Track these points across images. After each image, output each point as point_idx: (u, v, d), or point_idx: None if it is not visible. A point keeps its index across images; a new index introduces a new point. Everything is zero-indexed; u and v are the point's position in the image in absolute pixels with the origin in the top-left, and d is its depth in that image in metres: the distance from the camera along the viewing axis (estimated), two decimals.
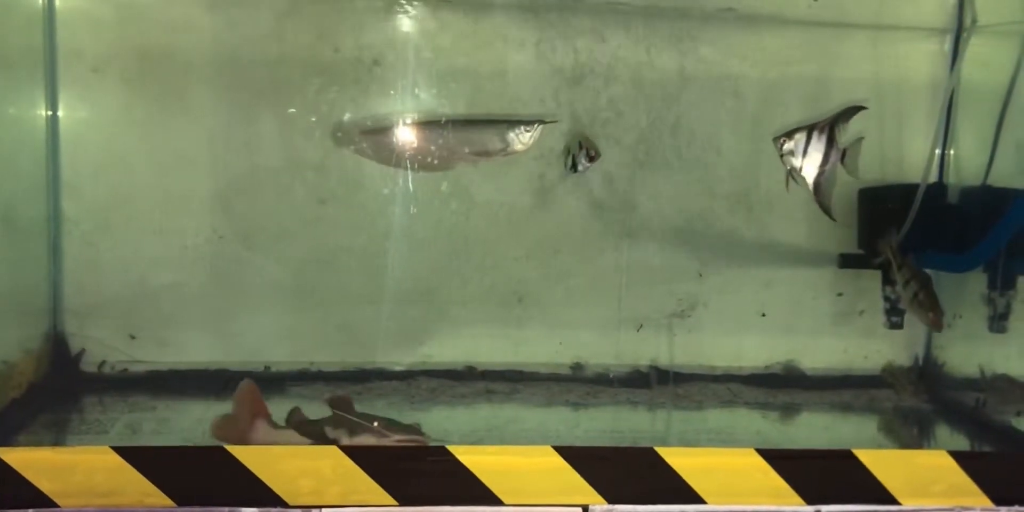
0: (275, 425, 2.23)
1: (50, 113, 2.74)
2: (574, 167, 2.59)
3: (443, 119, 2.57)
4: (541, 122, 2.50)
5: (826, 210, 2.37)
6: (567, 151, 2.66)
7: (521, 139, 2.47)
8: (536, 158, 2.88)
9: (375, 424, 2.20)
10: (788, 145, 2.33)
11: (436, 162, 2.51)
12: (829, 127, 2.32)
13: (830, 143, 2.32)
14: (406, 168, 2.56)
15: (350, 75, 2.78)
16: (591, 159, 2.57)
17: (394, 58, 2.76)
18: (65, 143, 2.76)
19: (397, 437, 2.16)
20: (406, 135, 2.54)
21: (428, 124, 2.56)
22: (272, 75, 2.78)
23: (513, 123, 2.49)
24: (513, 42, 2.84)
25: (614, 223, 2.96)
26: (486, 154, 2.49)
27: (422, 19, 2.76)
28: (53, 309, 2.80)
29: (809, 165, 2.32)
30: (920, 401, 2.96)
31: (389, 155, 2.53)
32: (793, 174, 2.34)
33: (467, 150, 2.48)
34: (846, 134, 2.33)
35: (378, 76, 2.78)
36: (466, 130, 2.52)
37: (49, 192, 2.76)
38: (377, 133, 2.60)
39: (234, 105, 2.79)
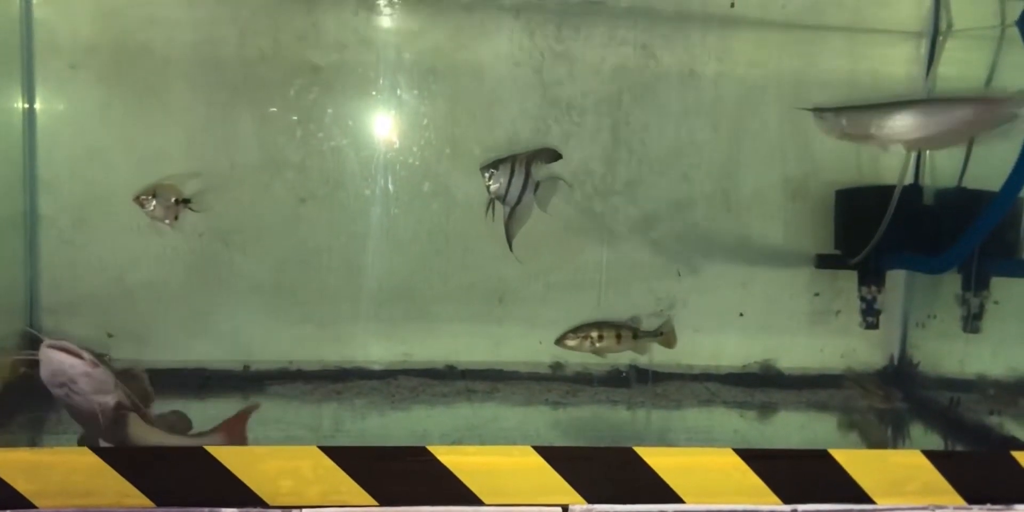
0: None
1: (27, 108, 2.71)
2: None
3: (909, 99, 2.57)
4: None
5: (509, 240, 2.51)
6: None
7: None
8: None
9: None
10: (493, 176, 2.45)
11: (923, 141, 2.53)
12: (526, 162, 2.46)
13: (527, 177, 2.45)
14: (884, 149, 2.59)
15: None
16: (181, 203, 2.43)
17: None
18: (42, 139, 2.73)
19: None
20: (885, 115, 2.51)
21: (900, 104, 2.53)
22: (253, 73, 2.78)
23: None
24: None
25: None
26: (957, 135, 2.51)
27: None
28: (30, 307, 2.77)
29: (509, 195, 2.46)
30: (887, 403, 2.99)
31: (870, 135, 2.52)
32: (493, 204, 2.48)
33: (944, 130, 2.47)
34: (544, 171, 2.49)
35: None
36: (942, 109, 2.50)
37: (25, 189, 2.73)
38: (859, 113, 2.54)
39: (217, 102, 2.78)
